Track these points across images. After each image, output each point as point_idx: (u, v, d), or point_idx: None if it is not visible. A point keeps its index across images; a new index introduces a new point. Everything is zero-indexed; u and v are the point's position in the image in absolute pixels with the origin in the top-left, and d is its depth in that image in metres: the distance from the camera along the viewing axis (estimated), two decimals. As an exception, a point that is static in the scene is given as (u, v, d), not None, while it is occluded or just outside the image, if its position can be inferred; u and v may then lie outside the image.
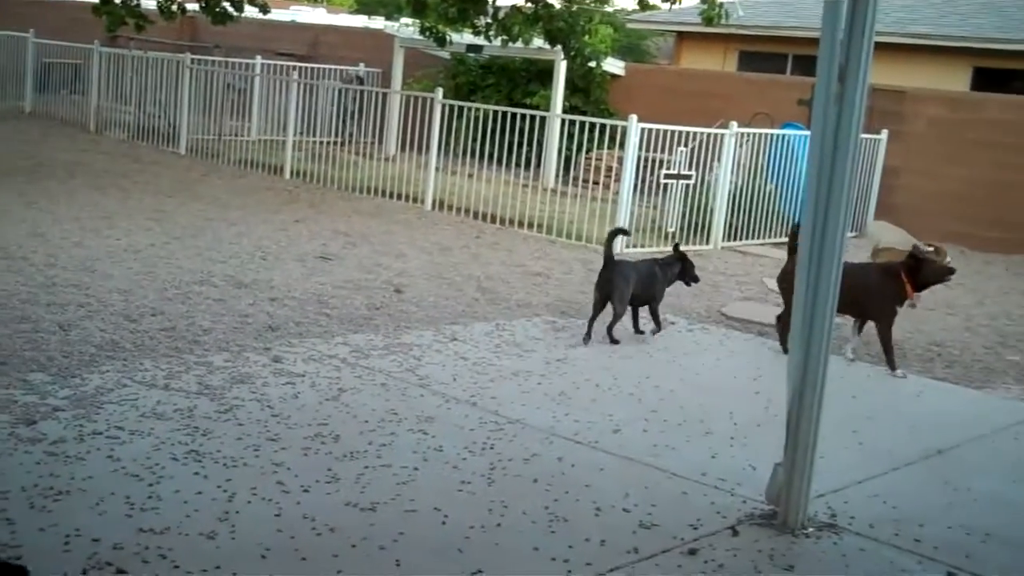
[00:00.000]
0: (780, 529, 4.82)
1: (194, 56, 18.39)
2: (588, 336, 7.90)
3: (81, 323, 7.07)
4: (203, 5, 14.53)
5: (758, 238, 13.63)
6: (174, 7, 14.81)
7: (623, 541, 4.55)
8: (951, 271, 8.26)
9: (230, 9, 14.44)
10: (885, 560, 4.65)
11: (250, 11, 14.98)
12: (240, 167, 16.12)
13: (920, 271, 8.02)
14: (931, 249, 8.55)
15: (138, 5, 14.22)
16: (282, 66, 19.78)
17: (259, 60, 19.90)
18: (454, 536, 4.47)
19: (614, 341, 7.90)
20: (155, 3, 14.91)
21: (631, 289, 8.00)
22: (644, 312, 8.29)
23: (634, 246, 12.31)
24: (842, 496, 5.30)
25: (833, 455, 5.69)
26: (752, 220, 13.57)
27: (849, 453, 6.02)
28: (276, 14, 20.86)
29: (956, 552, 4.76)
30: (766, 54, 21.26)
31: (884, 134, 15.39)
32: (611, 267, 8.01)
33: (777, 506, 4.91)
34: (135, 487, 4.61)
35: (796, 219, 10.21)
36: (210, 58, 19.53)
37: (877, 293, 8.02)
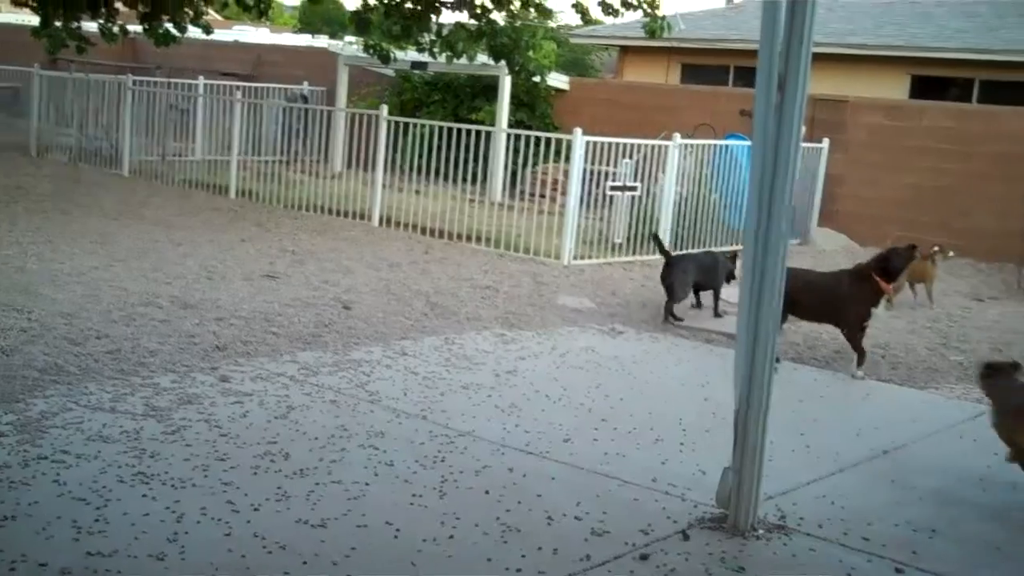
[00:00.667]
0: (731, 532, 4.86)
1: (136, 77, 18.24)
2: (665, 317, 9.46)
3: (24, 347, 6.98)
4: (145, 27, 14.42)
5: (704, 247, 13.72)
6: (115, 29, 14.68)
7: (575, 549, 4.57)
8: (913, 247, 8.66)
9: (172, 30, 14.34)
10: (834, 559, 4.71)
11: (193, 32, 14.89)
12: (185, 187, 16.00)
13: (889, 260, 8.31)
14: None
15: (79, 28, 14.08)
16: (226, 86, 19.69)
17: (202, 80, 19.77)
18: (407, 550, 4.46)
19: (676, 319, 9.45)
20: (96, 26, 14.78)
21: (690, 277, 9.67)
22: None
23: (582, 257, 12.38)
24: (791, 498, 5.36)
25: (781, 458, 5.76)
26: (697, 230, 13.68)
27: (797, 456, 6.09)
28: (219, 34, 20.77)
29: (903, 549, 4.83)
30: (708, 66, 21.46)
31: (825, 143, 15.58)
32: (669, 262, 9.68)
33: (727, 509, 4.95)
34: (82, 511, 4.57)
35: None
36: (152, 79, 19.38)
37: (850, 299, 8.19)
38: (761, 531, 4.89)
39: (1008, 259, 13.81)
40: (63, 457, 5.15)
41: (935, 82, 19.29)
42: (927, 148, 15.27)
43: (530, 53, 15.79)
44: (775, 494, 5.30)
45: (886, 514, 5.26)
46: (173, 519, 4.57)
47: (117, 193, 14.93)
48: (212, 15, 21.08)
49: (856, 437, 6.54)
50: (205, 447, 5.47)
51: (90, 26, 14.85)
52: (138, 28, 15.14)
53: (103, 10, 14.53)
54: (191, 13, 14.55)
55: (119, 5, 14.88)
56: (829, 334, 9.43)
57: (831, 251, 14.72)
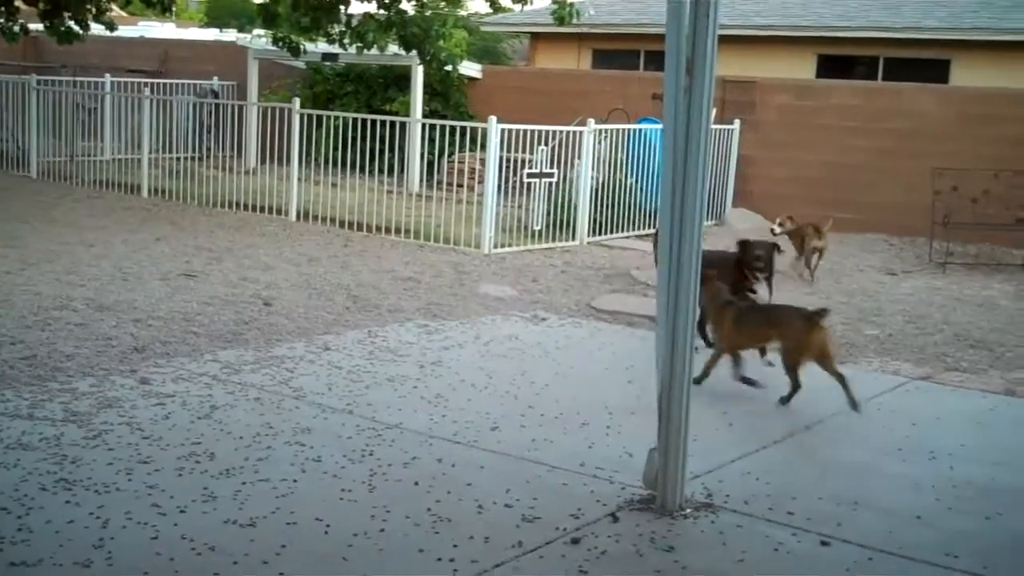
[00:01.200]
0: (659, 512, 4.92)
1: (40, 77, 17.84)
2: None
3: (-65, 357, 6.82)
4: (47, 25, 14.09)
5: (622, 231, 13.84)
6: (16, 28, 14.33)
7: (507, 536, 4.59)
8: (769, 245, 8.57)
9: (75, 27, 14.04)
10: (760, 534, 4.79)
11: (96, 29, 14.59)
12: (95, 188, 15.70)
13: (745, 252, 8.37)
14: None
15: (-23, 27, 13.74)
16: (133, 83, 19.35)
17: (108, 78, 19.41)
18: (337, 545, 4.45)
19: None
20: (-5, 24, 14.43)
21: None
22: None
23: (502, 246, 12.40)
24: (716, 476, 5.44)
25: (705, 437, 5.84)
26: (615, 214, 13.78)
27: (721, 434, 6.18)
28: (124, 31, 20.33)
29: (828, 521, 4.93)
30: (619, 51, 21.58)
31: (736, 124, 15.79)
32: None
33: (655, 490, 5.01)
34: (4, 520, 4.47)
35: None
36: (57, 78, 18.98)
37: None
38: (689, 510, 4.95)
39: (918, 233, 14.13)
40: (-19, 467, 5.05)
41: (841, 61, 19.63)
42: (835, 126, 15.55)
43: (441, 43, 15.75)
44: (701, 473, 5.37)
45: (810, 488, 5.37)
46: (98, 525, 4.50)
47: (26, 195, 14.61)
48: (116, 11, 20.72)
49: (777, 413, 6.65)
50: (128, 450, 5.39)
51: (-11, 26, 14.49)
52: (39, 26, 14.80)
53: (2, 8, 14.18)
54: (93, 10, 14.24)
55: (19, 3, 14.52)
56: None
57: (746, 230, 14.89)
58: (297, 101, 14.52)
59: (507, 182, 13.10)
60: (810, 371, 6.69)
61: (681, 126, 4.80)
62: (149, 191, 15.29)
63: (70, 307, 8.39)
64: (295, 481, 5.11)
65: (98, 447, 5.42)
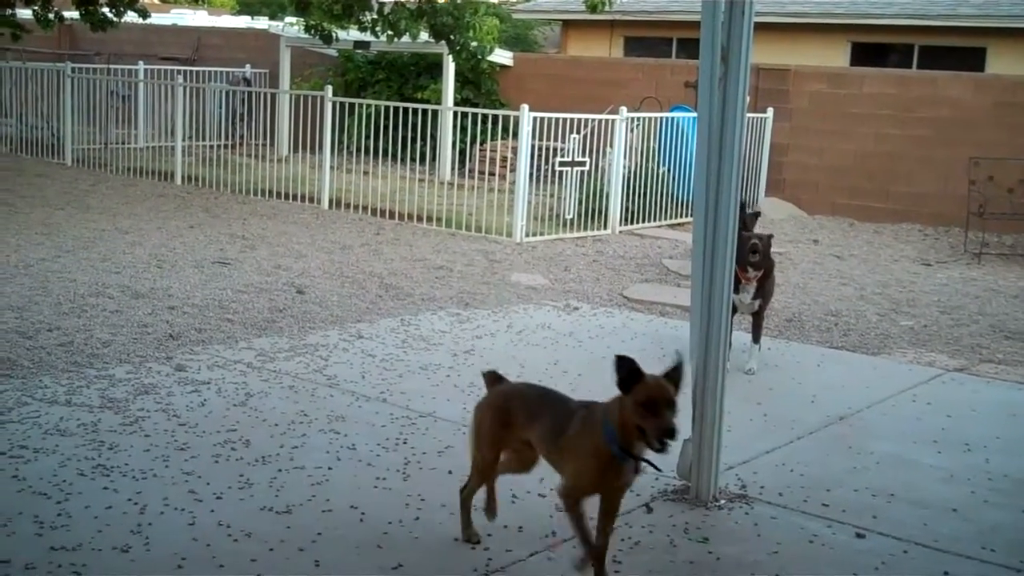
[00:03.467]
0: (693, 503, 4.92)
1: (75, 65, 17.96)
2: None
3: (-26, 343, 6.90)
4: (82, 12, 14.20)
5: (654, 220, 13.81)
6: (51, 15, 14.45)
7: (540, 526, 4.60)
8: (766, 236, 7.58)
9: (109, 15, 14.14)
10: (795, 526, 4.77)
11: (130, 16, 14.69)
12: (129, 175, 15.81)
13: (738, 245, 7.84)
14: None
15: (13, 15, 13.85)
16: (166, 70, 19.45)
17: (142, 66, 19.53)
18: (372, 533, 4.47)
19: None
20: (31, 12, 14.53)
21: None
22: None
23: (533, 234, 12.40)
24: (751, 467, 5.42)
25: (740, 428, 5.83)
26: (647, 203, 13.74)
27: (755, 425, 6.16)
28: (157, 18, 20.49)
29: (863, 514, 4.91)
30: (651, 39, 21.51)
31: (770, 112, 15.70)
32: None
33: (689, 481, 5.00)
34: (44, 505, 4.53)
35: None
36: (92, 66, 19.11)
37: None
38: (723, 501, 4.95)
39: (953, 223, 14.03)
40: (21, 452, 5.10)
41: (875, 49, 19.48)
42: (869, 115, 15.43)
43: (471, 32, 15.75)
44: (735, 464, 5.36)
45: (845, 480, 5.35)
46: (136, 511, 4.54)
47: (61, 183, 14.73)
48: (149, -1, 20.82)
49: (812, 404, 6.62)
50: (164, 437, 5.44)
51: (25, 13, 14.61)
52: (74, 14, 14.92)
53: (38, -5, 14.30)
54: (127, -3, 14.36)
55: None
56: (780, 303, 9.54)
57: (779, 220, 14.85)
58: (330, 89, 14.55)
59: (539, 170, 13.10)
60: (835, 359, 6.65)
61: (716, 114, 4.78)
62: (182, 179, 15.38)
63: (106, 294, 8.46)
64: (330, 469, 5.14)
65: (135, 433, 5.47)
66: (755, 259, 7.24)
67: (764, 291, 7.42)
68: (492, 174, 14.17)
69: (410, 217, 13.05)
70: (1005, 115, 14.39)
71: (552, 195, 13.49)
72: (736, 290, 6.99)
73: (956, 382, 7.38)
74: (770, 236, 7.54)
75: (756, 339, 7.39)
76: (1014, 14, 17.96)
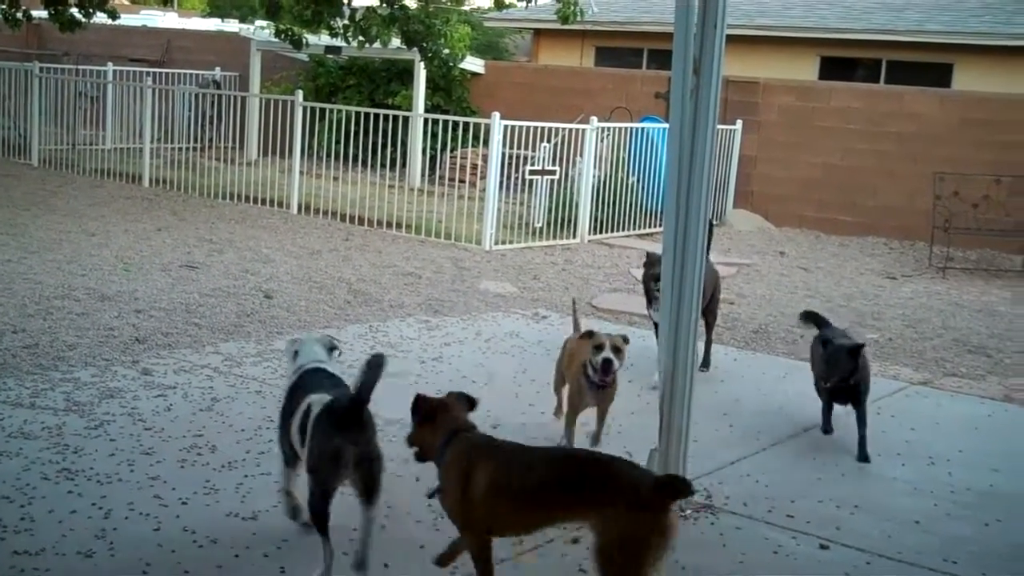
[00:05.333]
0: (659, 513, 4.92)
1: (43, 64, 17.83)
2: None
3: (-63, 344, 6.83)
4: (50, 12, 14.08)
5: (623, 230, 13.86)
6: (19, 15, 14.31)
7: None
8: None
9: (78, 15, 14.02)
10: (760, 537, 4.81)
11: (99, 17, 14.57)
12: (96, 177, 15.70)
13: (646, 267, 7.38)
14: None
15: (-20, 13, 13.71)
16: (135, 72, 19.34)
17: (111, 67, 19.40)
18: (339, 541, 4.43)
19: None
20: (-2, 11, 14.41)
21: None
22: None
23: (503, 242, 12.41)
24: (717, 477, 5.46)
25: (706, 438, 5.86)
26: (616, 213, 13.79)
27: (721, 435, 6.19)
28: (126, 19, 20.36)
29: (827, 525, 4.95)
30: (622, 49, 21.58)
31: (739, 124, 15.79)
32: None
33: (655, 491, 5.01)
34: (6, 509, 4.49)
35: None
36: (60, 66, 18.97)
37: None
38: (689, 511, 4.97)
39: (918, 237, 14.16)
40: (-16, 455, 5.06)
41: (844, 63, 19.63)
42: (837, 128, 15.55)
43: (443, 40, 15.76)
44: (701, 474, 5.39)
45: (809, 491, 5.39)
46: (100, 515, 4.51)
47: (27, 183, 14.61)
48: (119, 0, 20.68)
49: (777, 416, 6.67)
50: (130, 441, 5.41)
51: (-8, 12, 14.47)
52: (43, 13, 14.79)
53: (6, -6, 14.16)
54: (96, -2, 14.25)
55: (23, -10, 14.51)
56: (746, 314, 9.60)
57: (747, 232, 14.96)
58: (300, 93, 14.51)
59: (509, 178, 13.11)
60: (801, 371, 6.68)
61: (687, 126, 4.82)
62: (150, 181, 15.29)
63: (72, 296, 8.40)
64: (297, 476, 5.11)
65: (100, 437, 5.43)
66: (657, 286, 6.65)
67: None
68: (462, 181, 14.17)
69: (379, 223, 13.03)
70: (971, 131, 14.54)
71: (522, 203, 13.51)
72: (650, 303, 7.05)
73: (920, 395, 7.45)
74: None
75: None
76: (981, 31, 18.15)
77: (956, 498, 5.44)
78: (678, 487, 3.57)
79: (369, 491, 4.12)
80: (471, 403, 4.23)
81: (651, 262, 7.15)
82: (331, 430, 4.04)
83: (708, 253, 7.12)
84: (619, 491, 3.56)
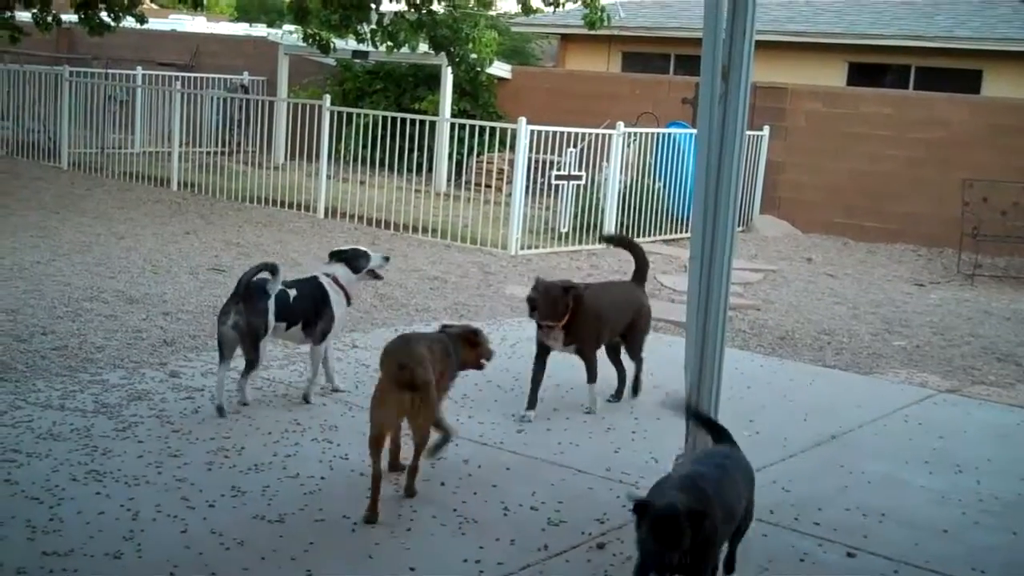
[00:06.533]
0: (684, 519, 4.91)
1: (73, 68, 17.97)
2: None
3: (-32, 345, 6.89)
4: (80, 16, 14.19)
5: (648, 235, 13.82)
6: (49, 19, 14.43)
7: (532, 539, 4.60)
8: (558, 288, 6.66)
9: (107, 19, 14.13)
10: (786, 544, 4.78)
11: (129, 21, 14.68)
12: (125, 180, 15.80)
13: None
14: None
15: (12, 17, 13.83)
16: (164, 76, 19.46)
17: (140, 71, 19.53)
18: (364, 543, 4.47)
19: None
20: (29, 15, 14.52)
21: None
22: None
23: (528, 247, 12.41)
24: (742, 484, 5.42)
25: (732, 445, 5.82)
26: (643, 218, 13.77)
27: (747, 442, 6.10)
28: (155, 24, 20.52)
29: (854, 533, 4.92)
30: (649, 54, 21.56)
31: (766, 130, 15.74)
32: None
33: (681, 497, 5.00)
34: (36, 510, 4.52)
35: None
36: (89, 70, 19.11)
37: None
38: (715, 517, 4.94)
39: (946, 244, 14.07)
40: (14, 456, 5.10)
41: (872, 69, 19.54)
42: (865, 135, 15.48)
43: (470, 45, 15.80)
44: (727, 480, 5.36)
45: (836, 499, 5.36)
46: (128, 517, 4.54)
47: (56, 186, 14.73)
48: (148, 4, 20.84)
49: (804, 423, 6.64)
50: (157, 443, 5.44)
51: (24, 16, 14.60)
52: (73, 18, 14.91)
53: (37, -1, 14.28)
54: (126, 2, 14.35)
55: (53, -6, 14.64)
56: (774, 320, 9.57)
57: (774, 238, 14.91)
58: (328, 98, 14.56)
59: (535, 183, 13.12)
60: (828, 378, 6.66)
61: (715, 132, 4.80)
62: (179, 185, 15.38)
63: (100, 299, 8.46)
64: (323, 478, 5.14)
65: (128, 439, 5.47)
66: (530, 311, 6.54)
67: (578, 336, 6.62)
68: (488, 186, 14.18)
69: (406, 227, 13.06)
70: (1000, 137, 14.45)
71: (548, 208, 13.51)
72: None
73: (948, 403, 7.40)
74: (567, 289, 6.63)
75: (590, 379, 6.70)
76: (1011, 37, 18.04)
77: (984, 507, 5.40)
78: None
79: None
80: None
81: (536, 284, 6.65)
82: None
83: (645, 277, 7.07)
84: None
